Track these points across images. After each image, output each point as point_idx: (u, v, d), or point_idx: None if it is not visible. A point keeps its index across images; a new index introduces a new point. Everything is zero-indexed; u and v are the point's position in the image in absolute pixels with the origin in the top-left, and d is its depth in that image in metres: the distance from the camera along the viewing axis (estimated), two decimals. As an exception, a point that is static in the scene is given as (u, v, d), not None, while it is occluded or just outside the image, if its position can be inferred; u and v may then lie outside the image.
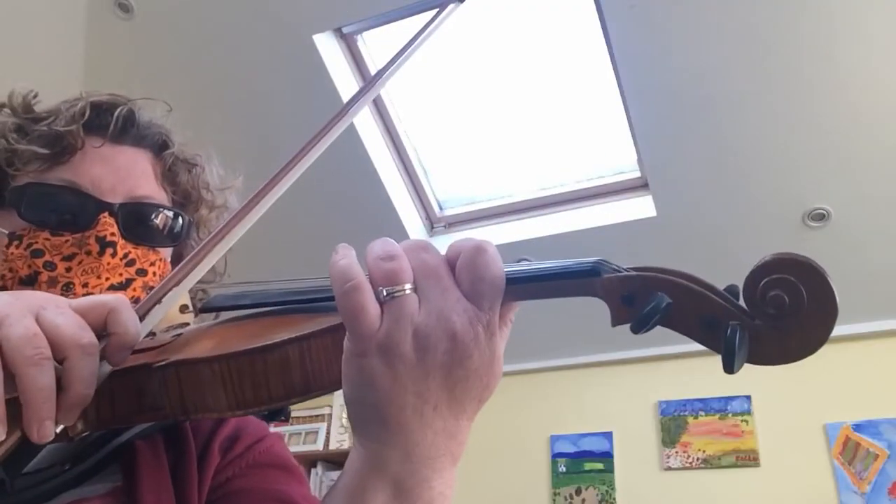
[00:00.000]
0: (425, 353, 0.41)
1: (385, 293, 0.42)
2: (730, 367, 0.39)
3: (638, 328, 0.40)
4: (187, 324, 0.66)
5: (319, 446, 3.80)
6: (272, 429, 0.84)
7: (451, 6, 0.63)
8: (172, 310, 0.65)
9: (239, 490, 0.64)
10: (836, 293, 0.38)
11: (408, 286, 0.42)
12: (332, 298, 0.46)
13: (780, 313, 0.38)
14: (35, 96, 0.74)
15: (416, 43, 0.61)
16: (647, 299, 0.40)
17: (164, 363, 0.51)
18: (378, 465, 0.43)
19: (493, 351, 0.43)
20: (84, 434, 0.53)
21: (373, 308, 0.42)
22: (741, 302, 0.40)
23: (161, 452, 0.64)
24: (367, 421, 0.43)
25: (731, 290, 0.41)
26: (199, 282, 0.72)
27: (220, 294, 0.69)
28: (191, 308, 0.67)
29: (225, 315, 0.64)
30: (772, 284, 0.38)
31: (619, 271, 0.42)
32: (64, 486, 0.60)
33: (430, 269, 0.43)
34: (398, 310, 0.41)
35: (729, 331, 0.38)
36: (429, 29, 0.62)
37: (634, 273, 0.42)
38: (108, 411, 0.53)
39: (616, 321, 0.42)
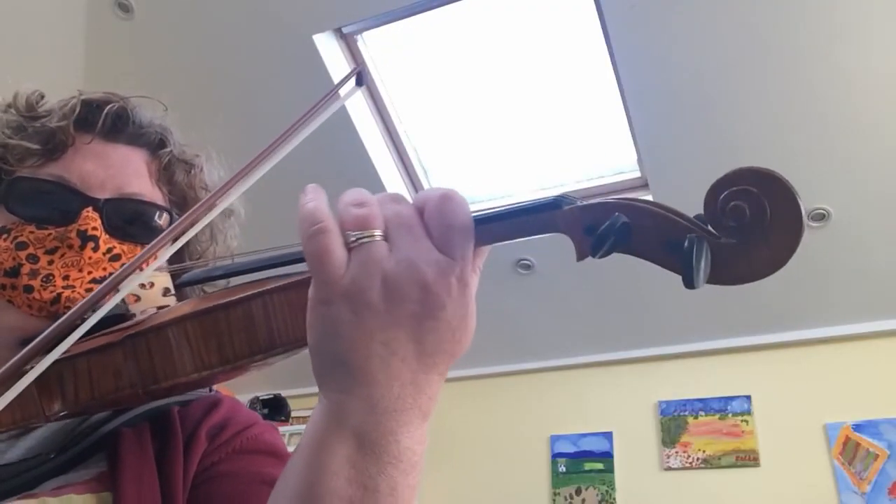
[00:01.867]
0: (394, 303, 0.40)
1: (353, 238, 0.41)
2: (690, 281, 0.37)
3: (595, 250, 0.40)
4: (168, 306, 0.66)
5: (319, 446, 3.79)
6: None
7: (349, 88, 0.64)
8: (154, 293, 0.66)
9: (224, 473, 0.64)
10: (800, 204, 0.37)
11: (377, 233, 0.41)
12: (301, 261, 0.45)
13: (742, 225, 0.38)
14: (41, 97, 0.75)
15: (304, 119, 0.62)
16: (604, 222, 0.40)
17: (133, 332, 0.51)
18: (340, 417, 0.41)
19: (466, 303, 0.42)
20: (62, 414, 0.54)
21: (339, 252, 0.41)
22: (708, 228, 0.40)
23: (147, 439, 0.65)
24: (331, 371, 0.42)
25: (699, 217, 0.40)
26: (178, 264, 0.73)
27: (194, 270, 0.69)
28: (173, 291, 0.67)
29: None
30: (732, 196, 0.38)
31: (579, 203, 0.42)
32: (49, 474, 0.61)
33: (403, 218, 0.42)
34: (366, 255, 0.40)
35: (686, 243, 0.38)
36: (321, 105, 0.63)
37: (594, 202, 0.41)
38: (88, 392, 0.53)
39: (580, 255, 0.41)
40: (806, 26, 2.43)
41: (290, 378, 3.97)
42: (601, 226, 0.39)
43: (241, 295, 0.47)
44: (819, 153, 2.73)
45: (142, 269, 0.53)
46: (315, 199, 0.43)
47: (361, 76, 0.65)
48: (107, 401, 0.53)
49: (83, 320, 0.52)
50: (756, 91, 2.61)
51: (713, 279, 0.39)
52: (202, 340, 0.48)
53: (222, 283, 0.67)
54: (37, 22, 2.90)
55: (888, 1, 2.33)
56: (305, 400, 3.89)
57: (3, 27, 2.80)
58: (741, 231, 0.38)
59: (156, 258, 0.62)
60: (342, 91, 0.64)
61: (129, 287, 0.53)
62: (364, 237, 0.41)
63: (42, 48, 2.95)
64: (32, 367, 0.51)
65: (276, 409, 3.74)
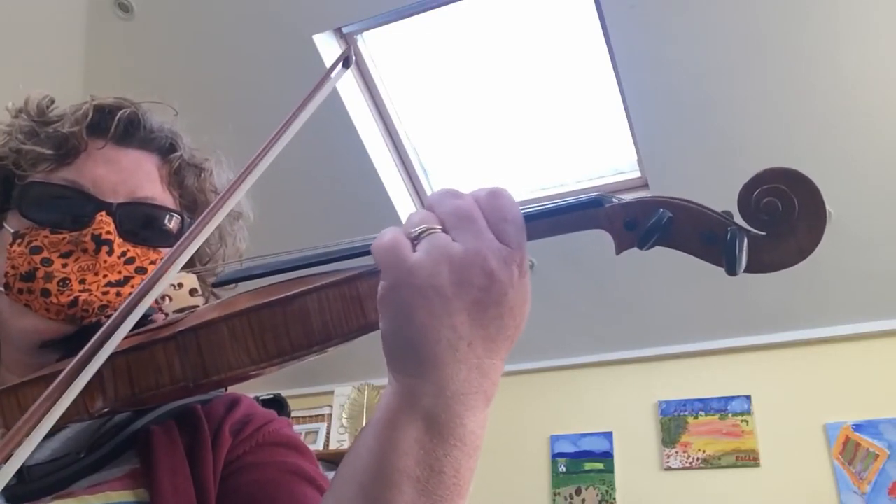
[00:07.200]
0: (461, 288, 0.43)
1: (417, 232, 0.45)
2: (732, 269, 0.41)
3: (643, 243, 0.43)
4: (197, 306, 0.68)
5: (319, 446, 3.80)
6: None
7: (338, 69, 0.66)
8: (183, 293, 0.68)
9: (251, 464, 0.67)
10: (824, 200, 0.41)
11: (438, 227, 0.45)
12: (345, 258, 0.49)
13: (774, 219, 0.42)
14: (51, 102, 0.76)
15: (303, 108, 0.64)
16: (648, 217, 0.43)
17: (182, 329, 0.52)
18: (410, 400, 0.44)
19: (524, 291, 0.45)
20: (104, 410, 0.55)
21: (407, 242, 0.45)
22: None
23: (176, 436, 0.67)
24: (402, 355, 0.44)
25: (727, 213, 0.43)
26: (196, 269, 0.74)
27: (230, 269, 0.70)
28: (200, 292, 0.69)
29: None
30: (765, 193, 0.42)
31: (620, 201, 0.45)
32: (81, 473, 0.62)
33: (465, 212, 0.46)
34: (433, 243, 0.44)
35: (729, 235, 0.41)
36: (317, 94, 0.64)
37: (634, 199, 0.45)
38: (127, 389, 0.54)
39: (620, 248, 0.45)
40: (806, 26, 2.43)
41: (290, 378, 3.97)
42: (646, 221, 0.43)
43: (298, 290, 0.49)
44: (820, 153, 2.73)
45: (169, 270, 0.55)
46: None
47: (348, 59, 0.66)
48: (146, 396, 0.54)
49: (118, 323, 0.53)
50: (756, 91, 2.61)
51: (746, 268, 0.42)
52: (260, 334, 0.50)
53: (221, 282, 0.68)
54: (37, 22, 2.90)
55: (890, 1, 2.33)
56: (305, 400, 3.89)
57: (3, 27, 2.80)
58: (772, 224, 0.42)
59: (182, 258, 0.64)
60: (333, 74, 0.65)
61: (162, 287, 0.54)
62: (428, 230, 0.45)
63: (42, 48, 2.95)
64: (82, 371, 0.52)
65: (275, 409, 3.74)
